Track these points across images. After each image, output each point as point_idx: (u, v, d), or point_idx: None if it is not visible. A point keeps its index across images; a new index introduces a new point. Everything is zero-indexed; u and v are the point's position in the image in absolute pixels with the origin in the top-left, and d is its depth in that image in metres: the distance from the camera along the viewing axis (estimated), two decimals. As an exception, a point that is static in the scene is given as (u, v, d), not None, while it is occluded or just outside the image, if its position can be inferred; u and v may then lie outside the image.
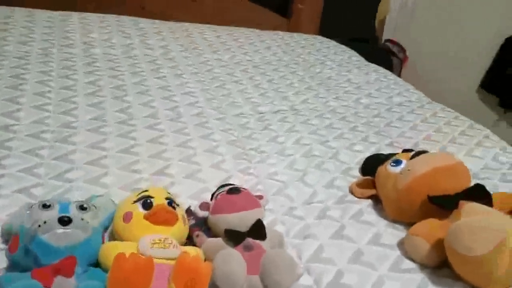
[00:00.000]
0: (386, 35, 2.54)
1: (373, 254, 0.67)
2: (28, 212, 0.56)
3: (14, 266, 0.53)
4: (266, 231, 0.63)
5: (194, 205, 0.67)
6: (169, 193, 0.66)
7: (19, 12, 1.49)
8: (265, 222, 0.65)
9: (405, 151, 0.83)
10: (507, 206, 0.67)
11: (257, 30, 1.80)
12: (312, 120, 1.12)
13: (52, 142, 0.85)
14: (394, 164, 0.76)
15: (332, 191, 0.83)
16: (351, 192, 0.82)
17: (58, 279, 0.48)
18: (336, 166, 0.91)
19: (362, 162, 0.90)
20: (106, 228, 0.62)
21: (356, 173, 0.88)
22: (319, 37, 1.91)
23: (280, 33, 1.85)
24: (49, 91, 1.04)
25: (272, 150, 0.95)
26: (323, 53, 1.69)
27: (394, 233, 0.72)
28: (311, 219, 0.74)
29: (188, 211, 0.68)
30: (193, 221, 0.67)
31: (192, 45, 1.49)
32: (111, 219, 0.63)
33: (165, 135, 0.94)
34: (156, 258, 0.54)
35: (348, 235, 0.70)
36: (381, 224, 0.74)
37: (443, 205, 0.68)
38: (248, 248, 0.60)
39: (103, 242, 0.58)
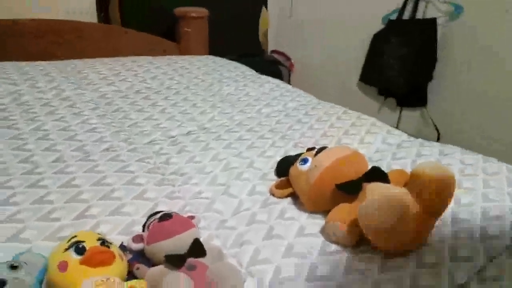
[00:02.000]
0: (271, 46, 2.73)
1: (302, 245, 0.74)
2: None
3: None
4: (205, 247, 0.67)
5: (127, 240, 0.68)
6: (99, 234, 0.65)
7: None
8: (201, 240, 0.68)
9: (308, 149, 0.92)
10: (402, 180, 0.79)
11: (150, 57, 1.81)
12: (223, 135, 1.17)
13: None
14: (303, 163, 0.86)
15: (255, 197, 0.89)
16: (272, 194, 0.90)
17: None
18: (253, 173, 0.98)
19: (275, 165, 1.00)
20: (41, 282, 0.60)
21: (272, 176, 0.96)
22: (211, 57, 1.99)
23: (173, 57, 1.88)
24: None
25: (192, 170, 0.98)
26: (218, 72, 1.76)
27: (315, 223, 0.80)
28: (242, 227, 0.79)
29: (122, 247, 0.68)
30: (130, 255, 0.67)
31: (85, 81, 1.45)
32: (43, 272, 0.61)
33: (78, 177, 0.91)
34: (104, 299, 0.54)
35: (278, 234, 0.77)
36: (303, 217, 0.82)
37: (349, 190, 0.79)
38: (192, 268, 0.63)
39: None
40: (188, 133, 1.17)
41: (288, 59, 2.67)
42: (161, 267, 0.64)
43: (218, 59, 1.96)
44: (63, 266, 0.59)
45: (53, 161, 0.96)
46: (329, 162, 0.82)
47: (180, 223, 0.68)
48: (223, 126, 1.24)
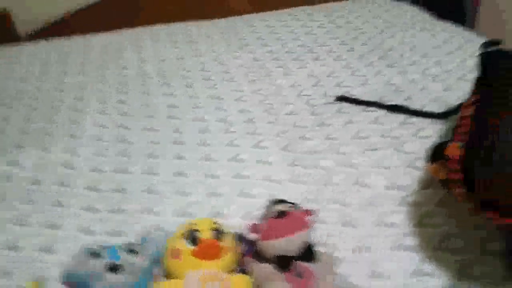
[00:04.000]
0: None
1: None
2: (80, 260, 0.59)
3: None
4: (316, 254, 0.61)
5: (245, 225, 0.66)
6: (215, 223, 0.65)
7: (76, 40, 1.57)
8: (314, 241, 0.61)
9: None
10: None
11: (308, 7, 1.69)
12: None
13: (110, 173, 0.89)
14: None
15: (394, 193, 0.75)
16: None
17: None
18: (401, 159, 0.83)
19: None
20: (157, 261, 0.64)
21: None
22: (376, -1, 1.73)
23: (329, 4, 1.72)
24: (107, 122, 1.08)
25: (328, 150, 0.89)
26: (381, 19, 1.52)
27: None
28: (369, 227, 0.69)
29: (238, 236, 0.67)
30: (245, 247, 0.66)
31: (243, 42, 1.45)
32: (162, 253, 0.64)
33: (216, 151, 0.93)
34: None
35: (411, 246, 0.65)
36: None
37: None
38: (299, 275, 0.59)
39: (156, 280, 0.60)
40: (332, 102, 1.07)
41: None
42: (269, 269, 0.61)
43: (383, 2, 1.70)
44: (176, 254, 0.61)
45: (199, 132, 1.00)
46: None
47: (293, 222, 0.63)
48: (375, 93, 1.08)
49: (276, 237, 0.62)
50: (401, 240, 0.67)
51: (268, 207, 0.69)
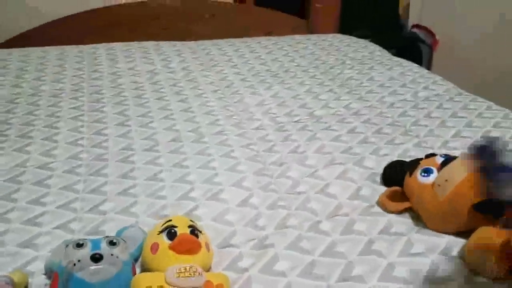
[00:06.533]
0: (412, 20, 2.48)
1: (406, 267, 0.66)
2: (64, 251, 0.62)
3: (56, 302, 0.59)
4: None
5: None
6: (191, 221, 0.70)
7: (52, 51, 1.60)
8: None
9: (428, 156, 0.82)
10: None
11: (275, 37, 1.83)
12: (334, 125, 1.12)
13: (86, 176, 0.92)
14: (425, 174, 0.75)
15: (357, 203, 0.82)
16: (383, 206, 0.80)
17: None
18: (361, 174, 0.91)
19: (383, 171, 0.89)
20: (136, 259, 0.68)
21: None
22: (338, 35, 1.91)
23: (297, 37, 1.86)
24: (82, 126, 1.12)
25: (293, 162, 0.96)
26: (342, 52, 1.69)
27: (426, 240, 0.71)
28: (337, 234, 0.74)
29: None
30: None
31: (212, 63, 1.54)
32: (141, 248, 0.68)
33: (188, 158, 0.98)
34: (182, 287, 0.58)
35: (377, 250, 0.70)
36: (412, 233, 0.74)
37: (491, 212, 0.65)
38: None
39: (134, 273, 0.63)
40: (297, 121, 1.16)
41: (432, 35, 2.39)
42: None
43: (345, 37, 1.87)
44: (154, 248, 0.65)
45: (170, 140, 1.06)
46: (461, 176, 0.69)
47: None
48: (336, 115, 1.19)
49: None
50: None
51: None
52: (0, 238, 0.74)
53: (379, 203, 0.81)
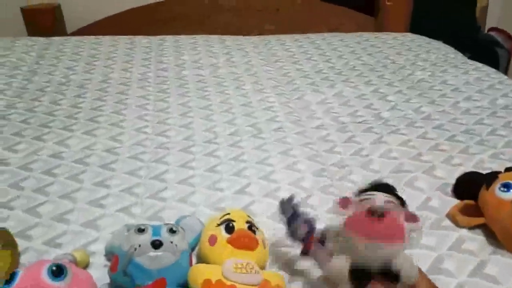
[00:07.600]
0: (490, 23, 2.32)
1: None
2: (126, 234, 0.63)
3: (115, 284, 0.61)
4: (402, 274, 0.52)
5: (334, 202, 0.56)
6: (249, 216, 0.69)
7: (122, 40, 1.67)
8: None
9: (508, 169, 0.75)
10: None
11: (341, 34, 1.78)
12: (402, 129, 1.06)
13: (149, 162, 0.95)
14: (505, 189, 0.69)
15: (425, 213, 0.77)
16: (454, 220, 0.74)
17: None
18: (431, 183, 0.85)
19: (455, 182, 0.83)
20: (193, 249, 0.68)
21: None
22: (410, 34, 1.82)
23: (365, 34, 1.80)
24: (146, 114, 1.15)
25: (356, 165, 0.92)
26: (414, 52, 1.60)
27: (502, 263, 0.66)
28: None
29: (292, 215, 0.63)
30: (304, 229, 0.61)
31: (274, 58, 1.53)
32: (198, 239, 0.69)
33: (246, 152, 0.98)
34: (239, 283, 0.57)
35: (446, 268, 0.66)
36: (485, 254, 0.68)
37: None
38: None
39: (191, 263, 0.63)
40: (362, 122, 1.12)
41: (511, 39, 2.23)
42: (343, 266, 0.54)
43: (417, 37, 1.78)
44: (212, 240, 0.65)
45: (230, 134, 1.06)
46: None
47: (391, 231, 0.52)
48: (404, 118, 1.13)
49: (367, 237, 0.51)
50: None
51: (361, 191, 0.58)
52: (66, 217, 0.78)
53: (450, 216, 0.76)
